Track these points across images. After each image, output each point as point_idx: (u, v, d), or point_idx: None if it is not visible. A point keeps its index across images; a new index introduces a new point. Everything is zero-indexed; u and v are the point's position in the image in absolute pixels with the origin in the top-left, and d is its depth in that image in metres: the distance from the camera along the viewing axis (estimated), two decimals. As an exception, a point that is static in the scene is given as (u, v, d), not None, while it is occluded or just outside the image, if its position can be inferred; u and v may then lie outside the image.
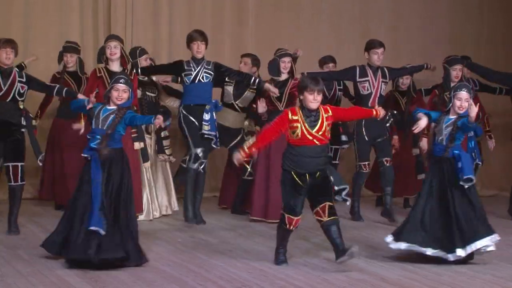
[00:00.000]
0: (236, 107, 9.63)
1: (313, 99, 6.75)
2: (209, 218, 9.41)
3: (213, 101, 9.13)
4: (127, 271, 6.63)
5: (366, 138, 9.43)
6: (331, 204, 6.83)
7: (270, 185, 9.19)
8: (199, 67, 9.02)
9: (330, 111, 6.88)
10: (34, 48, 10.57)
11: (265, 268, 6.91)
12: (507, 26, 12.86)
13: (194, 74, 9.00)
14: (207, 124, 8.95)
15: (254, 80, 9.24)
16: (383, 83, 9.43)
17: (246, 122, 9.86)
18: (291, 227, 6.91)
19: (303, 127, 6.78)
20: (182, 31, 10.88)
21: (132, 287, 6.17)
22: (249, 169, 9.69)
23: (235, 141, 9.58)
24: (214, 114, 9.01)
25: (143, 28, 11.28)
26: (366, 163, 9.55)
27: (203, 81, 9.03)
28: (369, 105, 9.17)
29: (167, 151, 9.58)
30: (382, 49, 9.45)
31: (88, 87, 8.69)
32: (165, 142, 9.58)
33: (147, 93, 9.41)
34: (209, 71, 9.04)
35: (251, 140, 9.60)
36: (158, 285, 6.25)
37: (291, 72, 9.37)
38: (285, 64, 9.28)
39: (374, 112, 7.17)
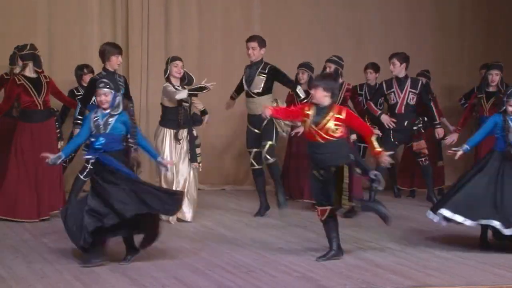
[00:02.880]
0: (251, 93, 9.34)
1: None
2: (218, 209, 9.82)
3: None
4: (143, 257, 6.91)
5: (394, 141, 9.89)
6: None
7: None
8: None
9: (343, 114, 6.83)
10: (58, 59, 10.80)
11: (269, 255, 7.26)
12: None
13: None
14: None
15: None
16: (410, 93, 9.82)
17: (274, 104, 9.21)
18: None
19: (308, 122, 6.85)
20: (193, 39, 11.47)
21: (148, 271, 6.52)
22: None
23: (264, 123, 9.30)
24: None
25: (158, 37, 11.40)
26: None
27: None
28: (395, 112, 9.76)
29: (198, 159, 9.17)
30: (393, 59, 9.82)
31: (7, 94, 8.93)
32: (197, 150, 9.19)
33: (184, 103, 9.02)
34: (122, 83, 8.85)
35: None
36: (172, 270, 6.60)
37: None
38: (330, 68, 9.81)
39: (376, 152, 7.01)
